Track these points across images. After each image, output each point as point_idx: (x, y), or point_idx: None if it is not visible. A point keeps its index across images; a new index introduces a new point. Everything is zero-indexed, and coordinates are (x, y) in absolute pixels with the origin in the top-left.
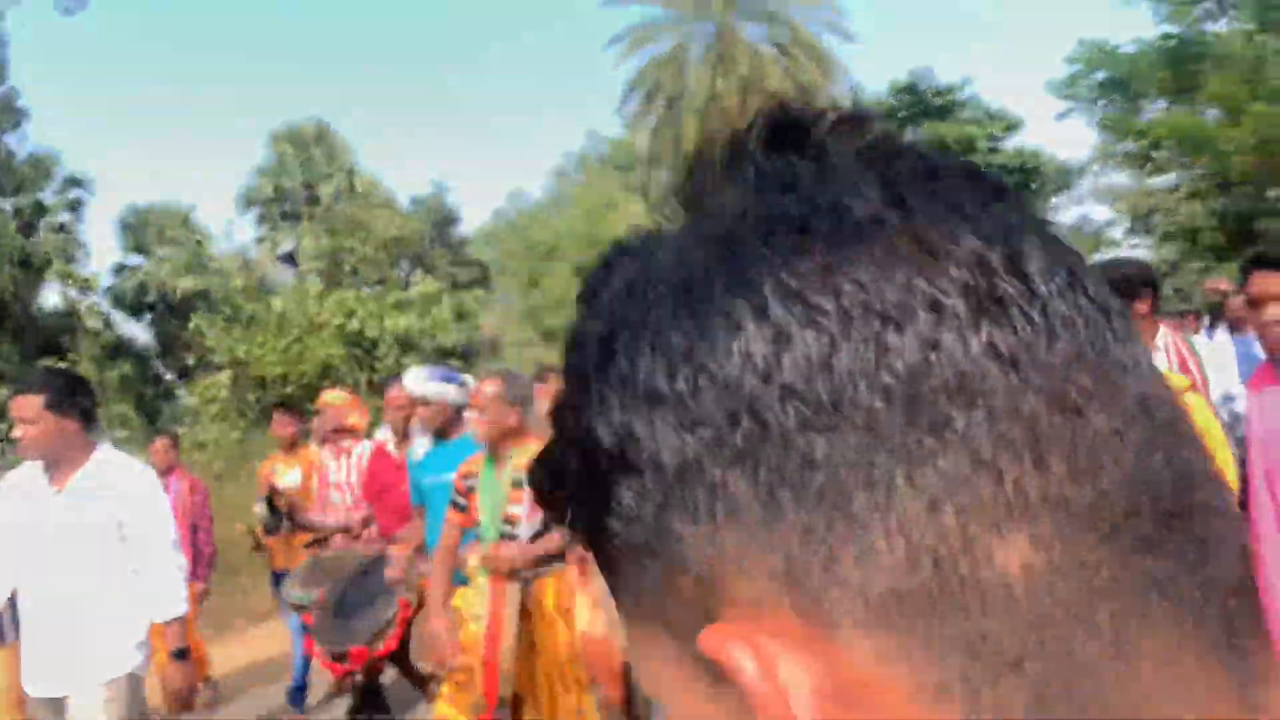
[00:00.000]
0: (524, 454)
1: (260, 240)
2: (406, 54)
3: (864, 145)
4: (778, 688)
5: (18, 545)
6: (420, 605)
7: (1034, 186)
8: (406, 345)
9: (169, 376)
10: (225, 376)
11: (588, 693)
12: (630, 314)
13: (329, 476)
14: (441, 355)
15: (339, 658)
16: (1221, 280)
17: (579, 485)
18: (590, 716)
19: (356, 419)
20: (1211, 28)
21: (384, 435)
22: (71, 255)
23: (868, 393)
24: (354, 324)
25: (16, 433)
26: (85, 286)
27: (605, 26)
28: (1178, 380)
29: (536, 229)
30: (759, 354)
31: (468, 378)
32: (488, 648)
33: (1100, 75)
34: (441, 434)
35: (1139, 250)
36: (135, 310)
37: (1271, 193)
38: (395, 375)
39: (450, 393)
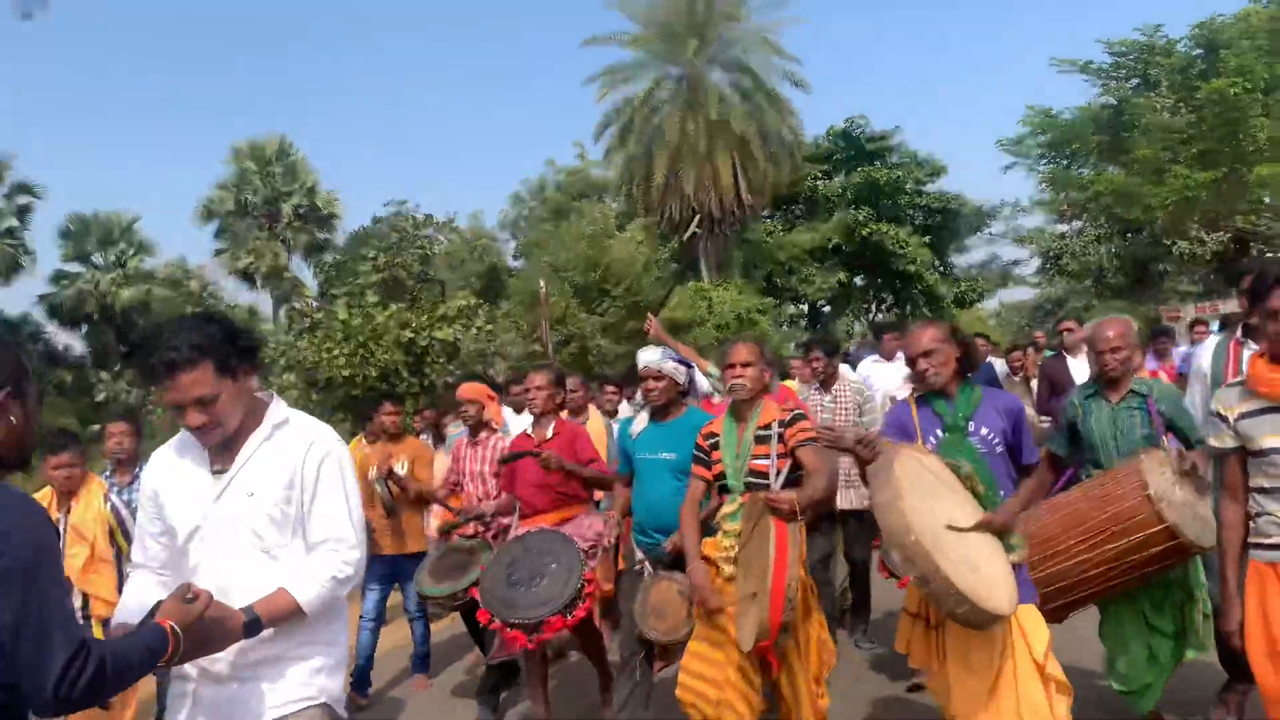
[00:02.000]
0: (766, 413)
1: (218, 253)
2: (370, 73)
3: None
4: None
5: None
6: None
7: (952, 226)
8: (452, 354)
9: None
10: (293, 377)
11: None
12: None
13: (465, 466)
14: (479, 359)
15: (531, 629)
16: (1072, 323)
17: None
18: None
19: (494, 412)
20: (1138, 100)
21: (458, 430)
22: (18, 262)
23: None
24: (408, 334)
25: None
26: None
27: (565, 62)
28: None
29: (538, 250)
30: None
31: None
32: (775, 578)
33: (1042, 137)
34: (661, 412)
35: (1049, 288)
36: (73, 320)
37: (1173, 244)
38: (444, 380)
39: (681, 373)
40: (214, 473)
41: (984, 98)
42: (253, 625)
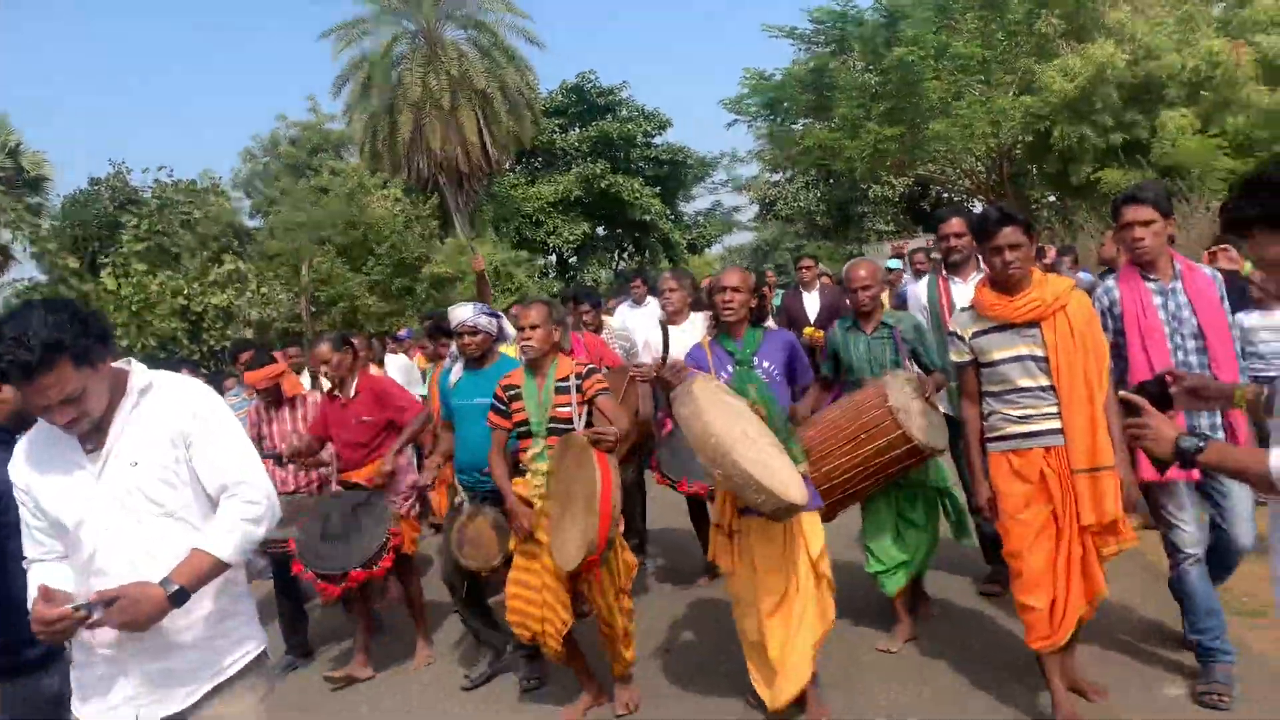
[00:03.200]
0: (562, 367)
1: None
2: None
3: None
4: None
5: None
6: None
7: (680, 177)
8: (228, 318)
9: None
10: None
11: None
12: None
13: (271, 429)
14: (259, 327)
15: (334, 579)
16: (809, 261)
17: None
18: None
19: (291, 382)
20: (835, 64)
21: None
22: None
23: None
24: (181, 301)
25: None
26: None
27: (288, 14)
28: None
29: (291, 212)
30: None
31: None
32: (603, 501)
33: (758, 98)
34: (477, 361)
35: (765, 231)
36: None
37: (868, 189)
38: (223, 345)
39: (493, 325)
40: (88, 452)
41: (703, 55)
42: (179, 595)
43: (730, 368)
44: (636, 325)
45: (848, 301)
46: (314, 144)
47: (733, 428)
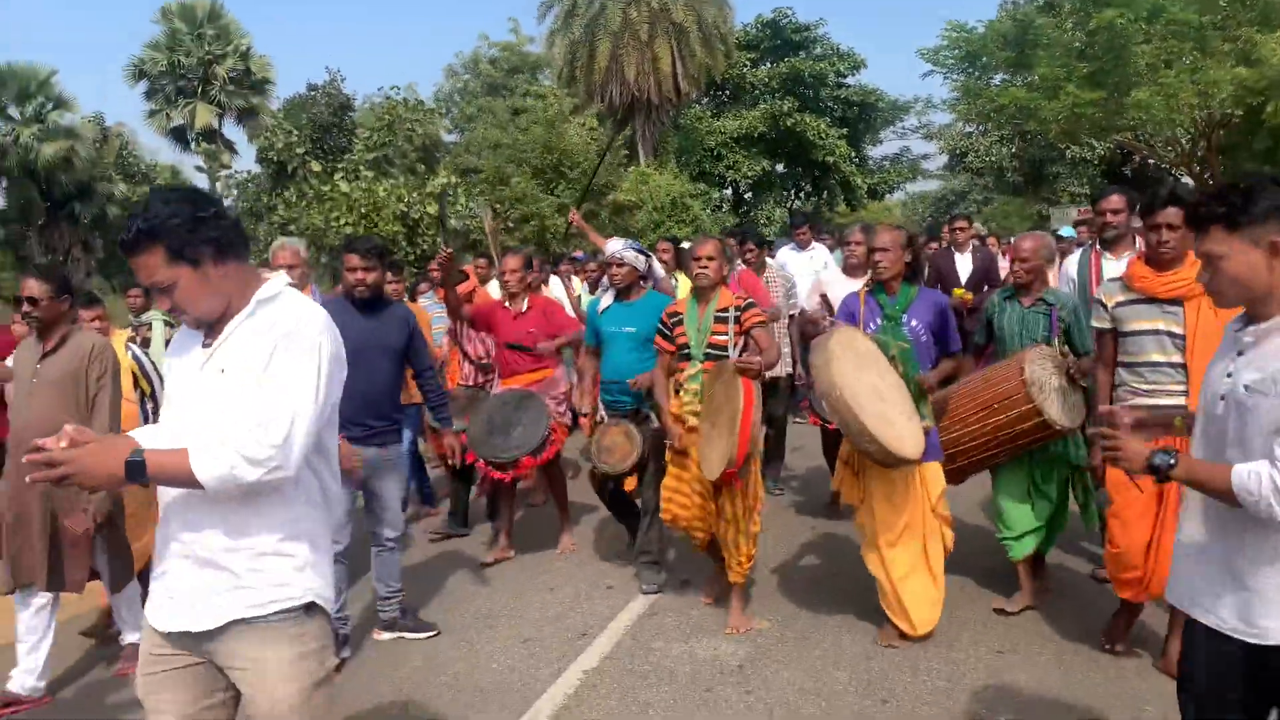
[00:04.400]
0: (723, 299)
1: (152, 114)
2: None
3: None
4: None
5: None
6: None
7: (868, 120)
8: (440, 225)
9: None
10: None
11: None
12: None
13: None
14: (459, 236)
15: (505, 466)
16: (964, 222)
17: None
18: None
19: (483, 293)
20: (1041, 20)
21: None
22: None
23: None
24: (402, 207)
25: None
26: None
27: None
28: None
29: (490, 129)
30: None
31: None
32: (744, 420)
33: (957, 51)
34: (624, 293)
35: (953, 181)
36: None
37: (1066, 149)
38: (435, 250)
39: (641, 261)
40: (204, 346)
41: None
42: (135, 467)
43: (879, 320)
44: (797, 269)
45: (998, 264)
46: (512, 64)
47: (861, 380)
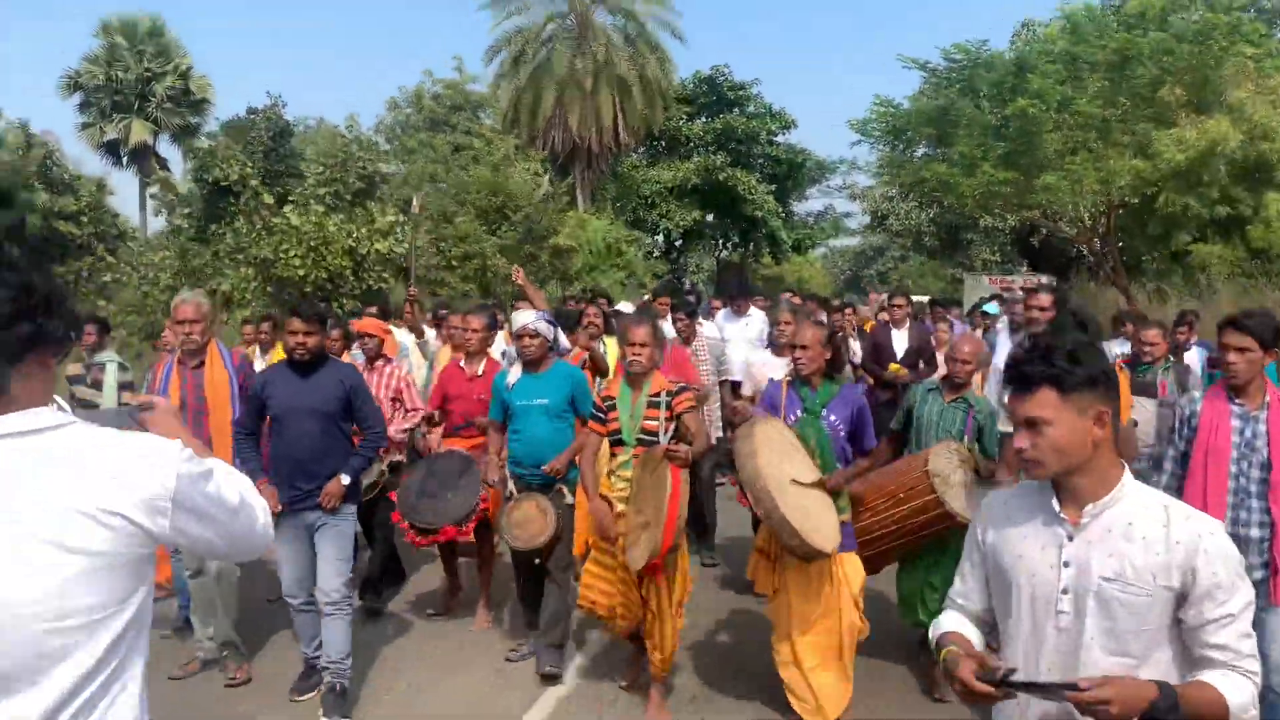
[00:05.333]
0: (655, 383)
1: (85, 127)
2: None
3: None
4: None
5: None
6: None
7: (796, 177)
8: (386, 263)
9: None
10: (251, 272)
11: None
12: None
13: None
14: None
15: (426, 532)
16: (902, 299)
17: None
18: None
19: (390, 344)
20: (962, 103)
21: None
22: None
23: None
24: (351, 243)
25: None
26: None
27: None
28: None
29: (437, 167)
30: None
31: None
32: (670, 510)
33: (882, 125)
34: (534, 364)
35: (871, 237)
36: None
37: (979, 219)
38: (379, 287)
39: (551, 331)
40: None
41: (833, 65)
42: None
43: (799, 413)
44: (733, 336)
45: (933, 341)
46: (455, 102)
47: (783, 471)
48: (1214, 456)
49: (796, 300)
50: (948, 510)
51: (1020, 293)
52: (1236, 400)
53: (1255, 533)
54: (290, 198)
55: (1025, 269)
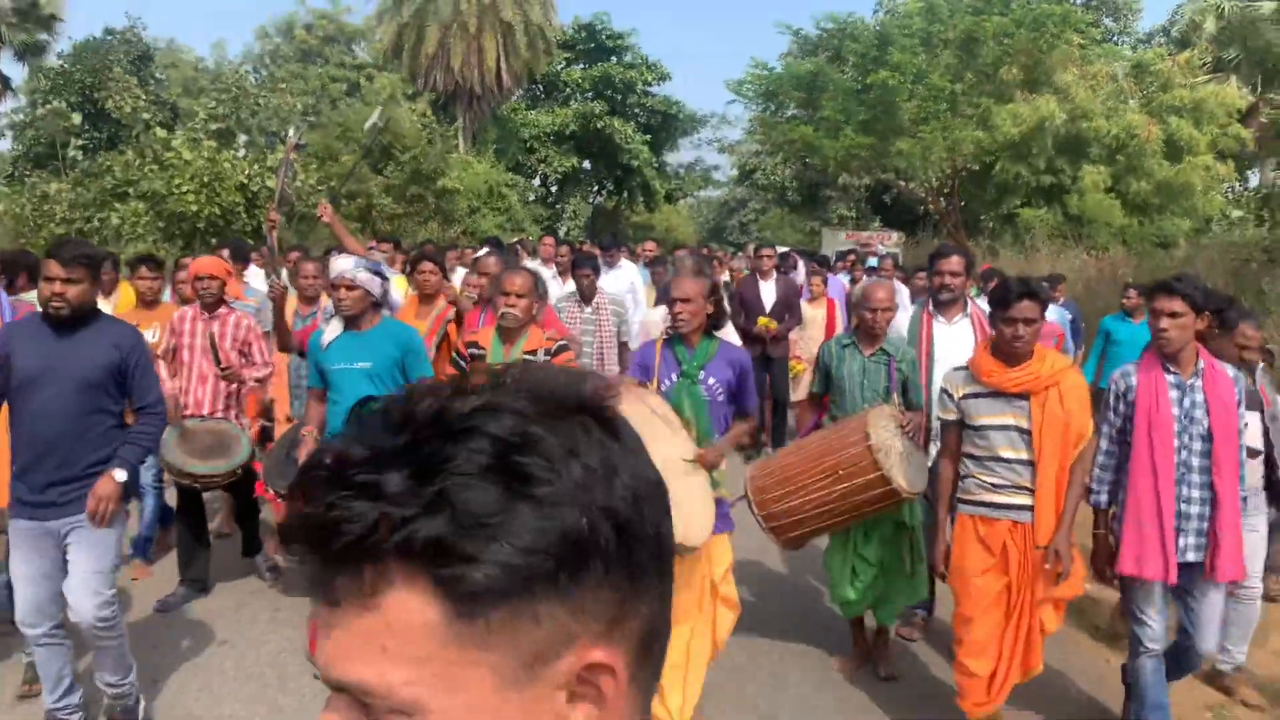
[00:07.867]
0: (532, 339)
1: None
2: None
3: None
4: None
5: None
6: None
7: (669, 128)
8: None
9: None
10: (143, 206)
11: None
12: None
13: (190, 341)
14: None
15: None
16: (770, 250)
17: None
18: None
19: (234, 288)
20: (830, 70)
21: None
22: None
23: None
24: (241, 179)
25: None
26: None
27: None
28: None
29: (321, 108)
30: None
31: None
32: None
33: (756, 87)
34: (354, 321)
35: (736, 190)
36: None
37: (838, 178)
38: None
39: (376, 285)
40: None
41: (713, 19)
42: None
43: (674, 376)
44: (605, 285)
45: (857, 317)
46: (328, 33)
47: (655, 451)
48: (1158, 431)
49: (704, 251)
50: (894, 487)
51: (880, 247)
52: (1170, 369)
53: (1195, 509)
54: (184, 130)
55: (878, 224)
